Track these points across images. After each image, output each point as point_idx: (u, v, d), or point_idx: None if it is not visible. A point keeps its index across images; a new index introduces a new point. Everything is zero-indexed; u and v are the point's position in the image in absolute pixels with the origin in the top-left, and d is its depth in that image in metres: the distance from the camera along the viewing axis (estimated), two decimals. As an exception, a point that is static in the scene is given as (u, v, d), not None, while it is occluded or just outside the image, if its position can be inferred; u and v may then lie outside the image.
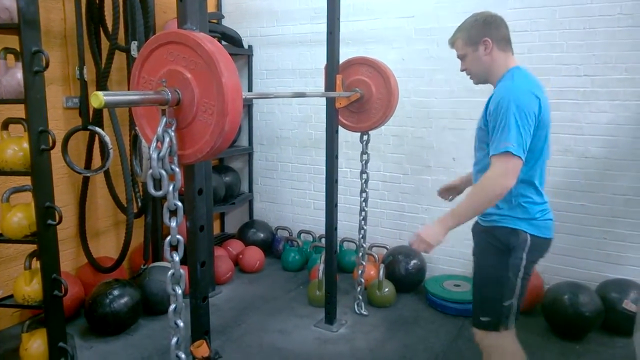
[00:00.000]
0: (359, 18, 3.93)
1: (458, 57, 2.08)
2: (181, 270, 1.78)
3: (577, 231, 3.39)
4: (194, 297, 2.05)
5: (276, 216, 4.65)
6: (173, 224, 1.74)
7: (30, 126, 2.41)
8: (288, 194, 4.56)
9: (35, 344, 2.66)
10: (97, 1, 3.12)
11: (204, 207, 2.01)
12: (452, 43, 2.08)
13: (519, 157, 1.78)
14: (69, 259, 3.49)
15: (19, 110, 2.45)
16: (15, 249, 3.09)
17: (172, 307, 1.80)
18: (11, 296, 2.69)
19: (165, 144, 1.65)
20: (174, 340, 1.83)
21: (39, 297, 2.60)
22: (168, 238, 1.75)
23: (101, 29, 3.17)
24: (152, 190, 1.69)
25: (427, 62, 3.71)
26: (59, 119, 3.19)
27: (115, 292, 3.06)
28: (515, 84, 1.88)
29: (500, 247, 1.96)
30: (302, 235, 4.42)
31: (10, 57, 2.49)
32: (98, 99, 1.43)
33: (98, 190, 3.59)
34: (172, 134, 1.66)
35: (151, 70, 1.73)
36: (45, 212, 2.50)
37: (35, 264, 2.61)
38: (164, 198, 1.71)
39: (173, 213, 1.74)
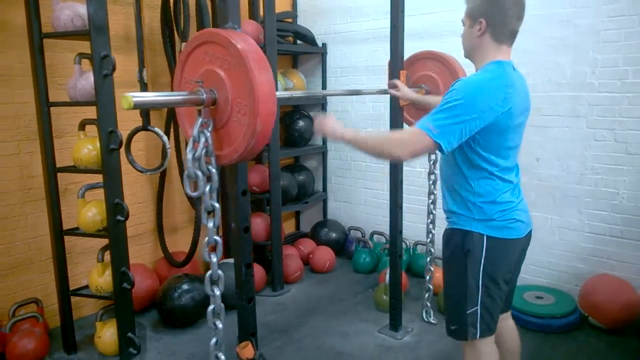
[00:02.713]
0: (434, 10, 3.74)
1: (461, 20, 1.91)
2: (219, 272, 1.77)
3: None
4: (240, 298, 2.04)
5: (349, 216, 4.57)
6: (210, 224, 1.74)
7: (100, 126, 2.55)
8: (361, 193, 4.47)
9: (108, 333, 2.84)
10: (172, 5, 3.24)
11: (248, 208, 1.99)
12: (465, 3, 1.89)
13: (437, 143, 1.68)
14: (147, 252, 3.68)
15: (94, 112, 2.60)
16: (98, 241, 3.28)
17: (210, 307, 1.80)
18: (87, 287, 2.89)
19: (201, 144, 1.65)
20: (213, 340, 1.84)
21: (110, 288, 2.76)
22: (206, 239, 1.75)
23: (175, 32, 3.29)
24: (188, 191, 1.70)
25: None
26: (138, 120, 3.32)
27: (184, 287, 3.16)
28: (477, 79, 1.76)
29: (459, 251, 1.87)
30: (375, 236, 4.31)
31: (85, 61, 2.64)
32: (127, 100, 1.45)
33: (175, 187, 3.74)
34: (208, 134, 1.66)
35: (191, 70, 1.73)
36: (115, 208, 2.64)
37: (107, 256, 2.77)
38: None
39: (210, 214, 1.73)
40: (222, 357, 1.86)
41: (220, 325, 1.82)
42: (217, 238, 1.75)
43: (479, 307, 1.85)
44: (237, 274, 2.01)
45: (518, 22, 1.81)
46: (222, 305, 1.82)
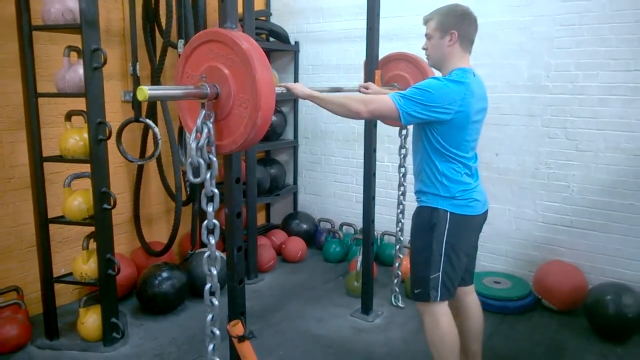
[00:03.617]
0: (401, 14, 3.97)
1: (425, 35, 2.22)
2: (217, 253, 1.92)
3: (625, 231, 3.29)
4: (231, 279, 2.18)
5: (319, 208, 4.77)
6: (210, 209, 1.87)
7: (89, 118, 2.64)
8: (331, 186, 4.67)
9: (91, 319, 2.92)
10: (153, 1, 3.32)
11: (240, 195, 2.13)
12: (426, 21, 2.21)
13: (398, 110, 2.02)
14: (124, 242, 3.74)
15: (80, 103, 2.68)
16: (76, 231, 3.35)
17: (207, 286, 1.94)
18: (71, 274, 2.95)
19: (204, 135, 1.78)
20: (209, 317, 1.97)
21: (95, 275, 2.85)
22: (205, 222, 1.89)
23: (156, 27, 3.37)
24: (190, 178, 1.84)
25: (471, 57, 3.67)
26: (117, 112, 3.43)
27: (164, 275, 3.26)
28: (444, 80, 2.07)
29: (427, 225, 2.18)
30: (344, 227, 4.52)
31: (73, 54, 2.71)
32: (143, 92, 1.58)
33: (152, 179, 3.82)
34: (210, 125, 1.79)
35: (194, 66, 1.86)
36: (101, 197, 2.73)
37: (92, 244, 2.85)
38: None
39: (210, 199, 1.87)
40: (217, 332, 2.00)
41: (216, 303, 1.96)
42: (216, 222, 1.90)
43: (440, 273, 2.16)
44: (229, 256, 2.14)
45: (476, 33, 2.19)
46: (218, 284, 1.96)
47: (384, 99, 2.10)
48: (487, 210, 2.28)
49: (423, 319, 2.28)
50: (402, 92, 2.08)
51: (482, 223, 2.30)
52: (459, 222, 2.15)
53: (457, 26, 2.12)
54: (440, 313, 2.22)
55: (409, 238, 3.79)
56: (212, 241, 1.90)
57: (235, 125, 1.79)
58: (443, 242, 2.14)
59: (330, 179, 4.66)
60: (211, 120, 1.80)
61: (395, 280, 3.44)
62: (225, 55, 1.75)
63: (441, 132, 2.09)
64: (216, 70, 1.77)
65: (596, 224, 3.39)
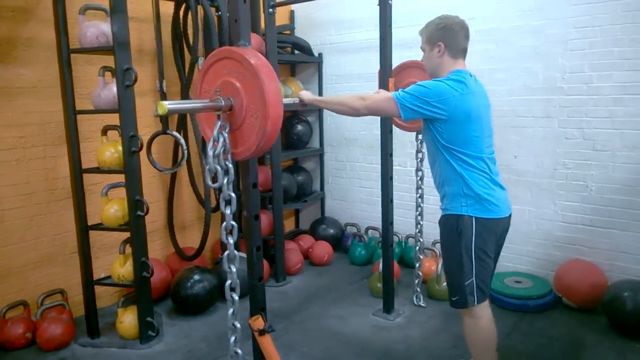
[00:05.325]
0: (421, 23, 4.06)
1: (420, 47, 2.38)
2: (235, 252, 2.09)
3: (645, 229, 3.30)
4: (251, 277, 2.34)
5: (345, 213, 4.91)
6: (227, 211, 2.04)
7: (122, 132, 2.87)
8: (356, 192, 4.81)
9: (128, 318, 3.14)
10: (181, 21, 3.56)
11: (258, 199, 2.30)
12: (420, 35, 2.38)
13: (399, 107, 2.17)
14: (159, 247, 3.98)
15: (115, 119, 2.92)
16: (115, 237, 3.59)
17: (227, 282, 2.11)
18: (110, 277, 3.19)
19: (220, 143, 1.96)
20: (230, 311, 2.14)
21: (131, 277, 3.07)
22: (224, 223, 2.07)
23: (184, 45, 3.61)
24: (209, 183, 2.02)
25: (488, 62, 3.77)
26: (150, 126, 3.67)
27: (196, 277, 3.47)
28: (441, 80, 2.21)
29: (454, 233, 2.25)
30: (370, 231, 4.64)
31: (108, 74, 2.96)
32: (162, 107, 1.77)
33: (184, 187, 4.05)
34: (226, 135, 1.97)
35: (211, 81, 2.05)
36: (135, 204, 2.96)
37: (128, 249, 3.08)
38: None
39: (227, 202, 2.05)
40: (238, 325, 2.16)
41: (236, 298, 2.13)
42: (234, 223, 2.07)
43: (474, 278, 2.23)
44: (248, 256, 2.31)
45: (466, 41, 2.30)
46: (237, 280, 2.12)
47: (383, 95, 2.28)
48: (510, 215, 2.34)
49: (463, 320, 2.37)
50: (403, 89, 2.23)
51: (506, 228, 2.36)
52: (484, 225, 2.21)
53: (442, 38, 2.26)
54: (480, 315, 2.30)
55: (428, 240, 3.90)
56: (231, 241, 2.07)
57: (248, 134, 1.96)
58: (472, 247, 2.21)
59: (356, 184, 4.80)
60: (226, 130, 1.97)
61: (417, 281, 3.53)
62: (237, 71, 1.93)
63: (445, 130, 2.19)
64: (229, 85, 1.95)
65: (615, 222, 3.40)
